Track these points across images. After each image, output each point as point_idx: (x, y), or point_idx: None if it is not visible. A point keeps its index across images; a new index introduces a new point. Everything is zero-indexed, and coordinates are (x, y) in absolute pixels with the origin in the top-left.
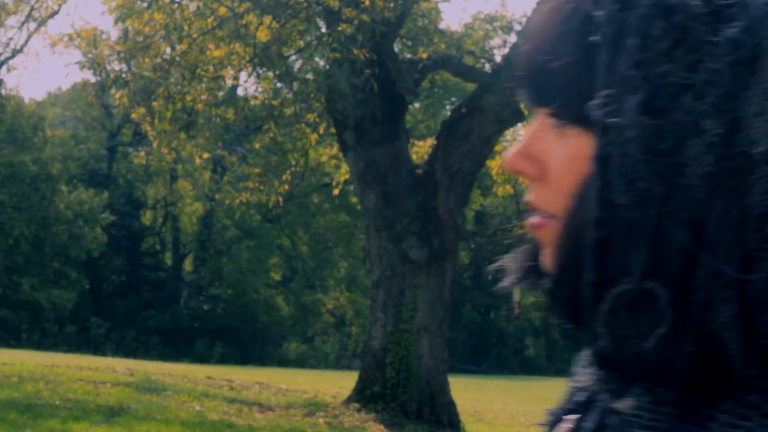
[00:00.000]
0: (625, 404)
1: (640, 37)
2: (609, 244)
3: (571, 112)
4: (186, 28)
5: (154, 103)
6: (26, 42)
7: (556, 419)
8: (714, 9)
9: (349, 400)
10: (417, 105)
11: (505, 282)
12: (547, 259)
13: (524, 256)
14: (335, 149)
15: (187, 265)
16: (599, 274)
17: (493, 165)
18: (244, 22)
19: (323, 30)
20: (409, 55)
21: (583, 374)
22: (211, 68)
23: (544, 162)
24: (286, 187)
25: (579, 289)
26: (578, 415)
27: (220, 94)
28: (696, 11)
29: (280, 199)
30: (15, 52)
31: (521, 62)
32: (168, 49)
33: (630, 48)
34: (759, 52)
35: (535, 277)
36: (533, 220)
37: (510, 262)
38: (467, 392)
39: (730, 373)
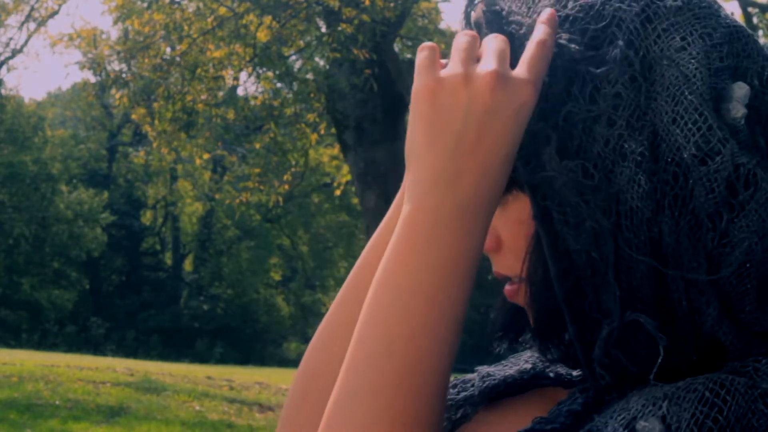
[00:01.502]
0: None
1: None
2: (579, 291)
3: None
4: (186, 28)
5: (155, 104)
6: (26, 42)
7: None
8: (592, 36)
9: None
10: None
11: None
12: (530, 319)
13: (507, 310)
14: (335, 149)
15: (187, 265)
16: (580, 324)
17: None
18: (244, 22)
19: (323, 30)
20: (409, 55)
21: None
22: (211, 68)
23: (494, 233)
24: (286, 187)
25: (564, 340)
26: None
27: (220, 94)
28: (572, 49)
29: (280, 199)
30: (15, 52)
31: None
32: (168, 49)
33: None
34: (649, 61)
35: (520, 332)
36: (506, 288)
37: (498, 315)
38: None
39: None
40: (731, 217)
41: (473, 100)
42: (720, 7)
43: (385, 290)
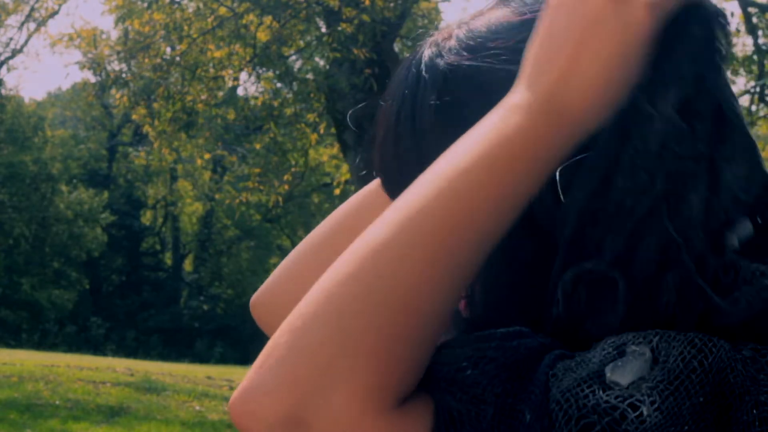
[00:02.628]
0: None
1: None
2: (595, 222)
3: None
4: (186, 28)
5: (155, 104)
6: (26, 42)
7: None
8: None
9: None
10: None
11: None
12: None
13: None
14: (335, 149)
15: (187, 265)
16: (571, 252)
17: None
18: (244, 21)
19: (323, 30)
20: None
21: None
22: (211, 68)
23: None
24: (286, 187)
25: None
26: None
27: (220, 94)
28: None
29: (280, 199)
30: (15, 52)
31: (376, 168)
32: (168, 49)
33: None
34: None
35: None
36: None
37: None
38: None
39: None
40: None
41: (585, 10)
42: None
43: (441, 196)
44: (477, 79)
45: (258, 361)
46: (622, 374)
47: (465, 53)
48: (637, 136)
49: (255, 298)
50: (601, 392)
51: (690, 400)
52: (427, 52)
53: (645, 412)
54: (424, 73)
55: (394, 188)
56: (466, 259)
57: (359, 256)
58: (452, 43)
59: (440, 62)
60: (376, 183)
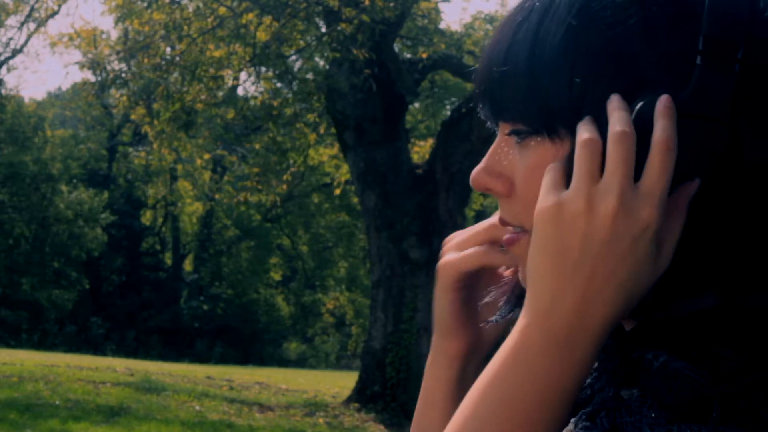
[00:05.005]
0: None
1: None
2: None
3: (528, 124)
4: (186, 28)
5: (154, 105)
6: (26, 42)
7: None
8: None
9: (349, 400)
10: (417, 105)
11: (494, 317)
12: (522, 275)
13: (510, 287)
14: (335, 149)
15: (187, 265)
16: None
17: None
18: (243, 21)
19: (323, 30)
20: (409, 55)
21: None
22: (211, 69)
23: (509, 177)
24: (285, 187)
25: None
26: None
27: (220, 93)
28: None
29: (278, 199)
30: (15, 52)
31: (477, 78)
32: (168, 49)
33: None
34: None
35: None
36: (506, 236)
37: (497, 295)
38: None
39: None
40: None
41: (592, 230)
42: None
43: (485, 398)
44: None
45: None
46: None
47: None
48: None
49: None
50: None
51: None
52: None
53: None
54: None
55: (494, 106)
56: None
57: None
58: None
59: None
60: None
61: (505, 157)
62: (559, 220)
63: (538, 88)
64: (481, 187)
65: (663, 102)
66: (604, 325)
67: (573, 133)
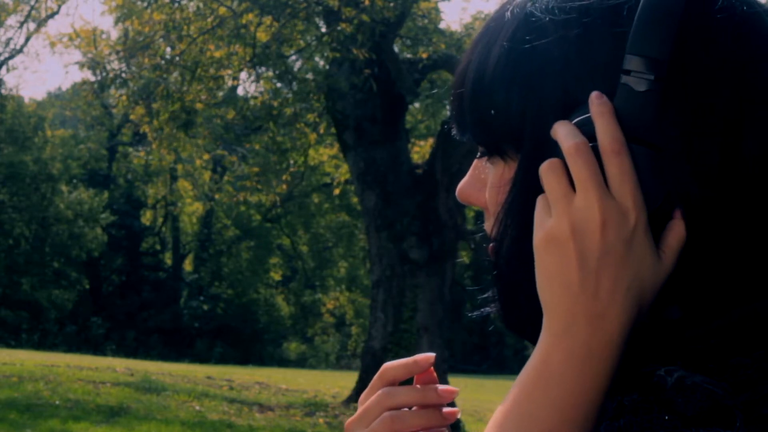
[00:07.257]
0: None
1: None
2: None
3: (482, 144)
4: (186, 28)
5: (154, 105)
6: (26, 42)
7: None
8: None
9: (349, 400)
10: (417, 105)
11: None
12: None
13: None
14: (335, 149)
15: (187, 265)
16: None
17: None
18: (243, 21)
19: (323, 30)
20: (409, 55)
21: None
22: (211, 69)
23: (485, 194)
24: (284, 187)
25: (521, 304)
26: None
27: (220, 93)
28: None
29: (278, 199)
30: (15, 52)
31: (451, 101)
32: (168, 49)
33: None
34: None
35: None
36: (489, 246)
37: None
38: (467, 392)
39: None
40: None
41: (585, 248)
42: None
43: (509, 417)
44: (546, 35)
45: None
46: None
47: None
48: None
49: None
50: None
51: None
52: None
53: None
54: (508, 13)
55: (457, 126)
56: None
57: None
58: None
59: (529, 6)
60: None
61: (483, 171)
62: (551, 248)
63: (482, 109)
64: (464, 200)
65: (594, 100)
66: (621, 334)
67: (520, 154)
